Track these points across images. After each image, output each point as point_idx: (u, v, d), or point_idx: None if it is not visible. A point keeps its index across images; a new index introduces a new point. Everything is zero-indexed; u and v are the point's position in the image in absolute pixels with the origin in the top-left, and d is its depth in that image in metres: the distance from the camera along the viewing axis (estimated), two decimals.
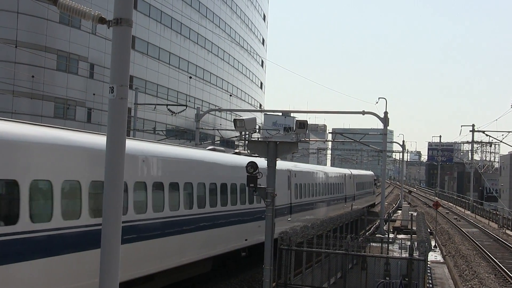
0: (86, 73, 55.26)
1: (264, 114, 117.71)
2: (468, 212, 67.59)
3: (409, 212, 44.57)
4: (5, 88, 47.04)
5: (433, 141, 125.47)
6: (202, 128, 45.48)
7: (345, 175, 40.97)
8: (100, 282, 7.24)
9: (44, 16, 50.11)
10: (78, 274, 12.14)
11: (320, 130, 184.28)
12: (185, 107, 46.18)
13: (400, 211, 57.25)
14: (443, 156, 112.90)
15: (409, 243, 19.02)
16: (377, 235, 32.40)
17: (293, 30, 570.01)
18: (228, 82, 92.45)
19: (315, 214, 30.43)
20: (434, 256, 29.82)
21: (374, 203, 60.51)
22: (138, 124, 46.54)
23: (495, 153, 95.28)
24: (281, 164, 23.42)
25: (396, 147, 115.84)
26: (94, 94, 54.50)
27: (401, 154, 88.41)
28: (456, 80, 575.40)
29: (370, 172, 60.95)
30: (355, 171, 49.37)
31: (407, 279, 14.54)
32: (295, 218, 26.91)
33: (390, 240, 27.06)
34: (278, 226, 22.22)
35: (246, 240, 20.87)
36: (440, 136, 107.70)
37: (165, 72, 70.12)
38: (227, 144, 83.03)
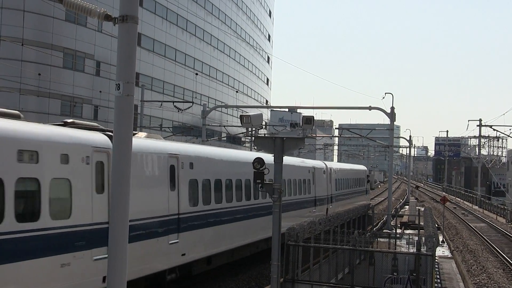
0: (93, 70, 55.40)
1: (271, 110, 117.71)
2: (476, 207, 67.37)
3: (417, 207, 44.45)
4: (12, 86, 47.21)
5: (440, 136, 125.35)
6: (208, 125, 45.49)
7: (314, 168, 30.67)
8: (108, 281, 7.27)
9: (50, 14, 50.26)
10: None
11: (326, 125, 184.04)
12: (191, 104, 46.31)
13: (407, 206, 57.23)
14: (450, 151, 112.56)
15: (416, 238, 19.01)
16: (384, 231, 32.38)
17: (299, 26, 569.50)
18: (234, 79, 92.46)
19: (246, 228, 20.63)
20: (441, 251, 29.76)
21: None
22: (144, 121, 46.61)
23: (502, 147, 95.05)
24: (158, 146, 15.75)
25: (403, 142, 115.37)
26: (100, 92, 54.64)
27: (408, 149, 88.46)
28: (463, 74, 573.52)
29: (361, 167, 49.59)
30: (335, 164, 39.40)
31: (414, 274, 14.52)
32: (193, 238, 16.66)
33: (398, 236, 27.10)
34: (152, 259, 14.66)
35: None
36: (447, 131, 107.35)
37: (171, 69, 70.19)
38: (234, 141, 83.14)
